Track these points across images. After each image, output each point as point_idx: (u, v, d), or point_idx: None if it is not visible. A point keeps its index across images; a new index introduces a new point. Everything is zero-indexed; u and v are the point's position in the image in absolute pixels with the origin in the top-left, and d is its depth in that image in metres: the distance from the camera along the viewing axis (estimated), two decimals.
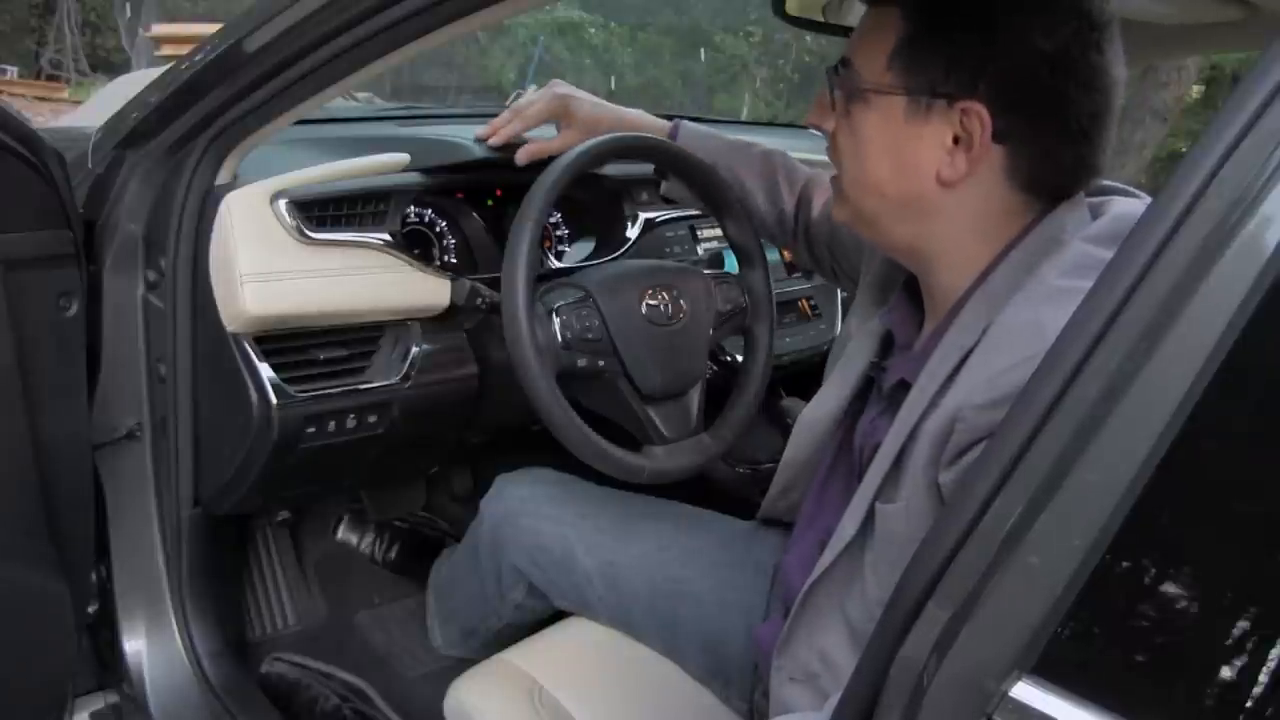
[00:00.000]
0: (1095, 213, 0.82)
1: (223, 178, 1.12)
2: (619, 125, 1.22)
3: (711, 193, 1.17)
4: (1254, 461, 0.49)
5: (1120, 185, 0.87)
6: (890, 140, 0.81)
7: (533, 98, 1.25)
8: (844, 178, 0.87)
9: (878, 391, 0.93)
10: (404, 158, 1.17)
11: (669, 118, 1.26)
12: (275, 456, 1.11)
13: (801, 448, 1.02)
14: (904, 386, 0.84)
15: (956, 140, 0.79)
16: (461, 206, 1.35)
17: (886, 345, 0.96)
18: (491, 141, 1.26)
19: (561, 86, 1.24)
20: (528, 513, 1.20)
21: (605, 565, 1.13)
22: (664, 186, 1.24)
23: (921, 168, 0.81)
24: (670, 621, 1.11)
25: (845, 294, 1.67)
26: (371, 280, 1.12)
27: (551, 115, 1.23)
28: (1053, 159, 0.79)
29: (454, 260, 1.33)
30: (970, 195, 0.81)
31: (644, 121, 1.24)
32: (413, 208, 1.29)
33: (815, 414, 1.00)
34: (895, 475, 0.80)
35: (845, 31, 1.33)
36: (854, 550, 0.83)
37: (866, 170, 0.84)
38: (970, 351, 0.76)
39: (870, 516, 0.81)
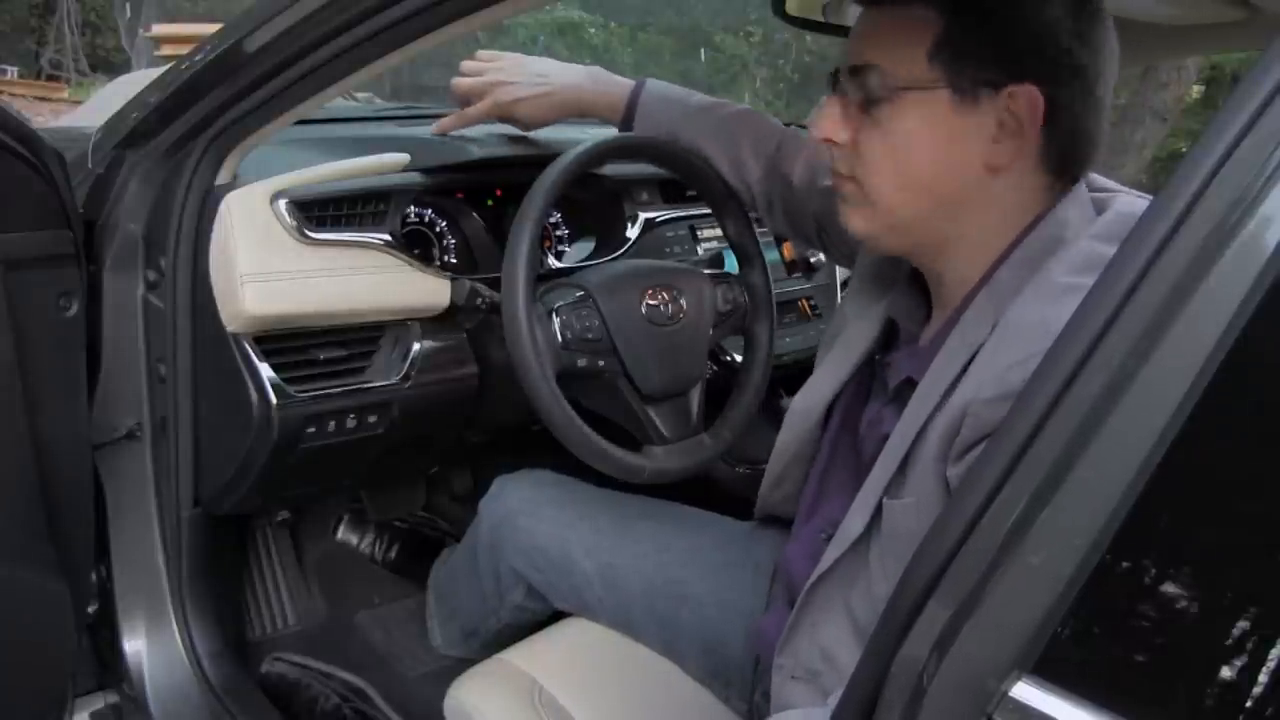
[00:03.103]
0: (1099, 208, 0.82)
1: (223, 178, 1.12)
2: (566, 108, 1.19)
3: (711, 191, 1.17)
4: (1254, 461, 0.49)
5: (1117, 185, 0.87)
6: (939, 136, 0.79)
7: (473, 85, 1.21)
8: (875, 187, 0.83)
9: (881, 384, 0.92)
10: (404, 158, 1.17)
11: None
12: (275, 456, 1.11)
13: (794, 437, 1.01)
14: (911, 384, 0.84)
15: (999, 125, 0.79)
16: (461, 206, 1.35)
17: (888, 335, 0.96)
18: (432, 131, 1.25)
19: (505, 90, 1.19)
20: (526, 514, 1.20)
21: (604, 567, 1.13)
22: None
23: (970, 159, 0.80)
24: (670, 622, 1.11)
25: (844, 294, 1.67)
26: (371, 280, 1.12)
27: (491, 118, 1.21)
28: (1083, 133, 0.81)
29: (454, 260, 1.33)
30: (1008, 182, 0.81)
31: (599, 88, 1.18)
32: (413, 208, 1.29)
33: (807, 403, 0.99)
34: (903, 472, 0.80)
35: (845, 32, 1.33)
36: (860, 546, 0.83)
37: (912, 172, 0.81)
38: (979, 349, 0.76)
39: (878, 513, 0.81)
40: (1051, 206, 0.81)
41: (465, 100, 1.22)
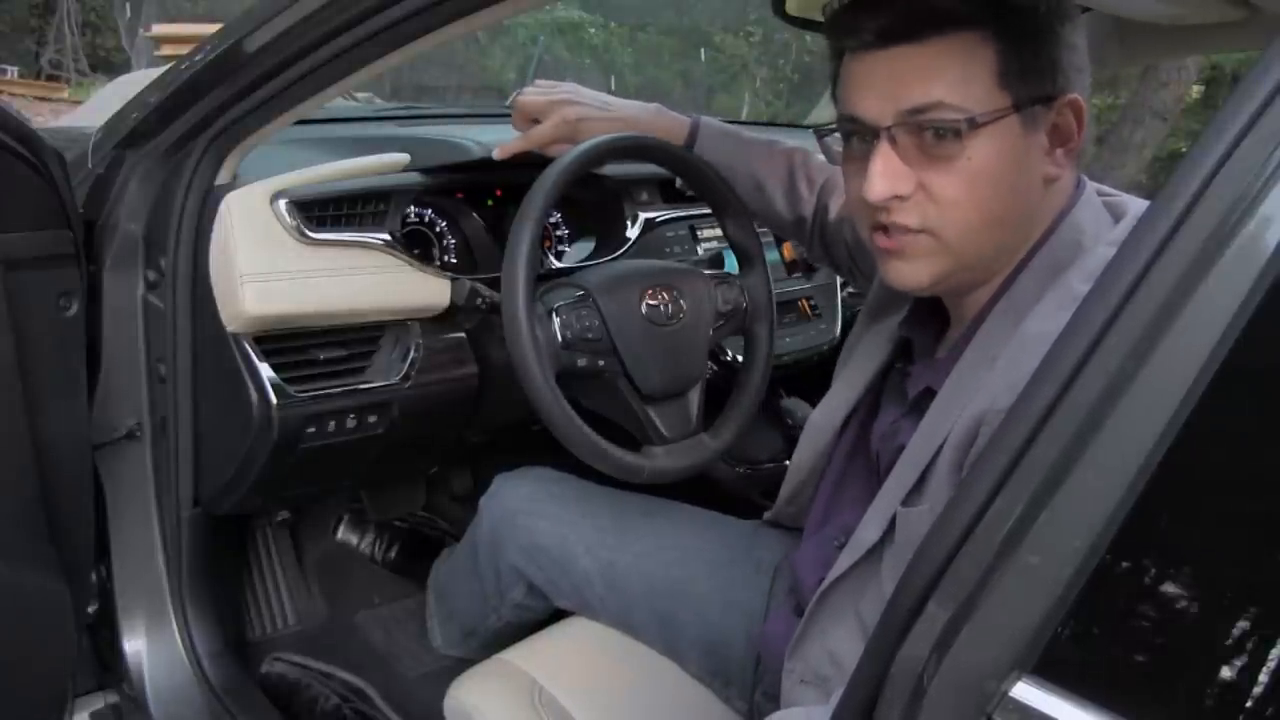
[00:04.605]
0: (1114, 213, 0.82)
1: (223, 178, 1.12)
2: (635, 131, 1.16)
3: (712, 192, 1.17)
4: (1254, 461, 0.49)
5: (1111, 189, 0.88)
6: (1012, 162, 0.78)
7: (538, 102, 1.16)
8: (956, 231, 0.79)
9: (900, 395, 0.92)
10: (404, 158, 1.17)
11: None
12: (275, 456, 1.11)
13: (811, 452, 1.02)
14: (929, 394, 0.84)
15: (1049, 137, 0.79)
16: (461, 206, 1.35)
17: (904, 349, 0.96)
18: (496, 156, 1.20)
19: (572, 109, 1.15)
20: (526, 512, 1.20)
21: (605, 565, 1.13)
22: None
23: (1035, 178, 0.80)
24: (670, 621, 1.11)
25: (845, 294, 1.67)
26: (371, 280, 1.12)
27: (559, 139, 1.16)
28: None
29: (454, 260, 1.33)
30: (1055, 188, 0.82)
31: (660, 121, 1.18)
32: (413, 208, 1.29)
33: (824, 417, 1.00)
34: (921, 481, 0.80)
35: None
36: (873, 555, 0.83)
37: (994, 205, 0.78)
38: (997, 358, 0.76)
39: (893, 522, 0.81)
40: (1067, 209, 0.82)
41: (528, 120, 1.17)
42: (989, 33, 0.76)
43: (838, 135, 0.86)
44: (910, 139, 0.78)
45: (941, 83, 0.76)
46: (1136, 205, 0.83)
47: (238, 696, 1.25)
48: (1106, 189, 0.87)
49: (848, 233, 1.16)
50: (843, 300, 1.67)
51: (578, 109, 1.15)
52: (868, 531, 0.83)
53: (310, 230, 1.08)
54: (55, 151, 1.02)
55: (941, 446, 0.77)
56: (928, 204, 0.79)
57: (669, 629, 1.11)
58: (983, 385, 0.76)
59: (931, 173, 0.78)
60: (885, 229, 0.81)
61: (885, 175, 0.78)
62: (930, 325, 0.92)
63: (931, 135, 0.77)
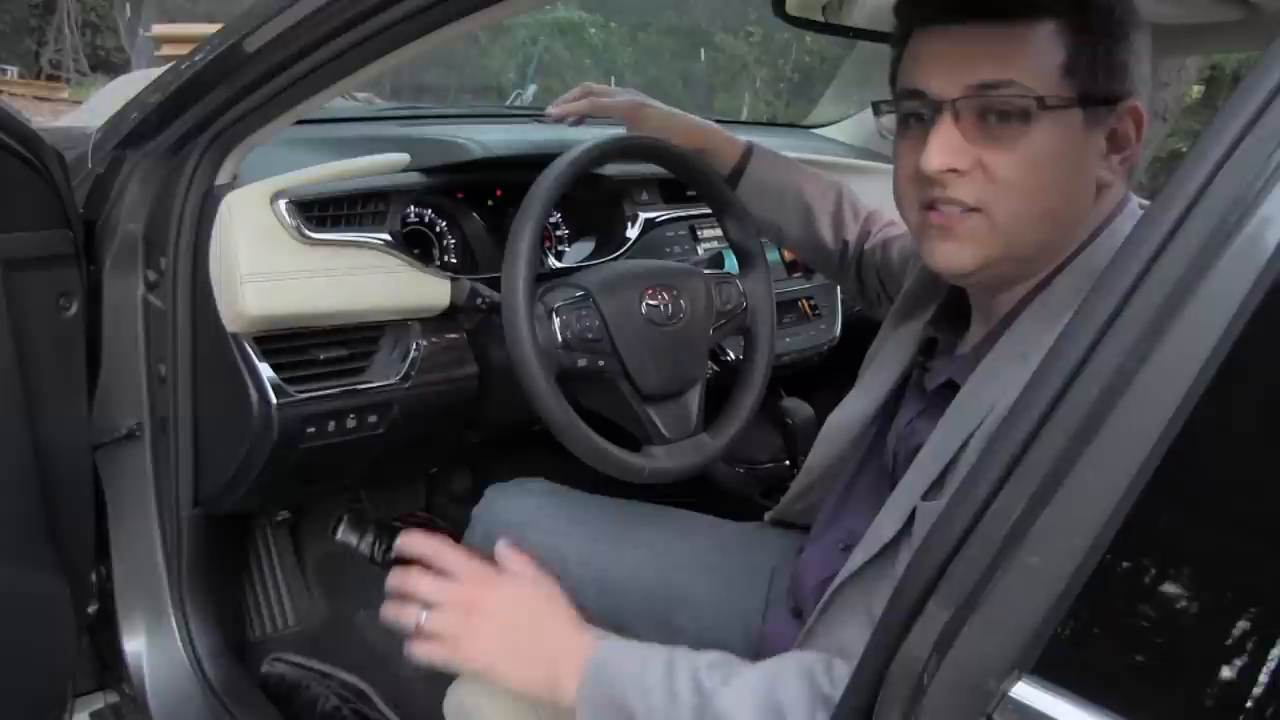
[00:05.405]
0: None
1: (223, 178, 1.12)
2: (690, 135, 1.22)
3: (712, 193, 1.17)
4: (1254, 461, 0.49)
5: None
6: (1071, 156, 0.77)
7: (613, 90, 1.26)
8: (1009, 213, 0.78)
9: (919, 392, 0.92)
10: (404, 158, 1.17)
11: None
12: (275, 456, 1.11)
13: (829, 451, 1.01)
14: (950, 387, 0.84)
15: (1108, 141, 0.79)
16: (461, 206, 1.35)
17: (927, 349, 0.96)
18: (551, 110, 1.27)
19: (641, 96, 1.25)
20: (519, 524, 1.19)
21: (598, 575, 1.12)
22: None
23: (1089, 178, 0.79)
24: (667, 625, 1.10)
25: (844, 295, 1.67)
26: (371, 280, 1.12)
27: (621, 114, 1.24)
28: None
29: (454, 260, 1.33)
30: (1106, 197, 0.81)
31: (715, 138, 1.23)
32: (413, 208, 1.29)
33: (845, 418, 1.00)
34: (942, 476, 0.79)
35: (845, 31, 1.33)
36: (888, 552, 0.83)
37: (1049, 194, 0.78)
38: (1028, 357, 0.76)
39: (910, 518, 0.81)
40: (1112, 217, 0.82)
41: (588, 95, 1.27)
42: (1065, 23, 0.76)
43: (892, 117, 0.86)
44: (973, 116, 0.78)
45: (1015, 63, 0.76)
46: None
47: (238, 696, 1.25)
48: (1147, 202, 0.87)
49: (878, 256, 1.18)
50: (842, 300, 1.67)
51: (642, 99, 1.24)
52: (884, 528, 0.82)
53: (310, 230, 1.08)
54: (55, 151, 1.02)
55: (967, 441, 0.77)
56: (984, 182, 0.78)
57: (665, 634, 1.10)
58: (1014, 381, 0.75)
59: (991, 152, 0.77)
60: (936, 206, 0.81)
61: (944, 148, 0.77)
62: (959, 324, 0.92)
63: (996, 115, 0.77)
